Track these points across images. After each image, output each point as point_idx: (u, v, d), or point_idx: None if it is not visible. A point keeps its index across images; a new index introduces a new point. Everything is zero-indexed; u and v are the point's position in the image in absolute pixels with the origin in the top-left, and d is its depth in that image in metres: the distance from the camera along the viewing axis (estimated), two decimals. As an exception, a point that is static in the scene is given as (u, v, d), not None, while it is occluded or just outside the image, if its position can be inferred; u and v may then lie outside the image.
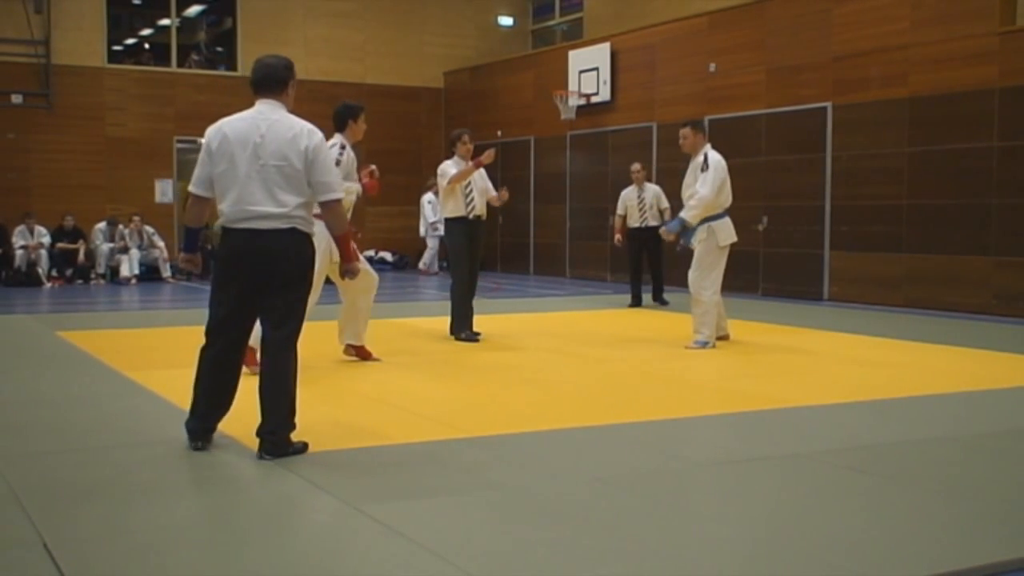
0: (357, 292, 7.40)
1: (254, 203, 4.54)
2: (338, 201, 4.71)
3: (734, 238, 8.40)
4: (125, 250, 16.36)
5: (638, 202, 12.12)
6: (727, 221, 8.34)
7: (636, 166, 12.25)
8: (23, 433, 5.20)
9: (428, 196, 18.26)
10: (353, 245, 7.11)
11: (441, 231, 12.06)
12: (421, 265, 18.64)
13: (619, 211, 12.29)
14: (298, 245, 4.62)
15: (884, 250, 12.31)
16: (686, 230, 8.27)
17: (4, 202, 16.69)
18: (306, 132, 4.61)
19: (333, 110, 7.33)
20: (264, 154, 4.55)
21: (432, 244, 18.41)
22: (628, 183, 12.32)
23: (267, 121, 4.61)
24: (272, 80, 4.72)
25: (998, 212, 11.21)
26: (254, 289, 4.60)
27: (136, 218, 16.67)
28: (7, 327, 9.94)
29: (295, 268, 4.61)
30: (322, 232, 5.27)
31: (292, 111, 4.76)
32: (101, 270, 16.35)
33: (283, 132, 4.58)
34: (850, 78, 12.64)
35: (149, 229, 16.73)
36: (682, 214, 8.27)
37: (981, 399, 6.36)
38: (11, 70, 17.25)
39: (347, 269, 5.00)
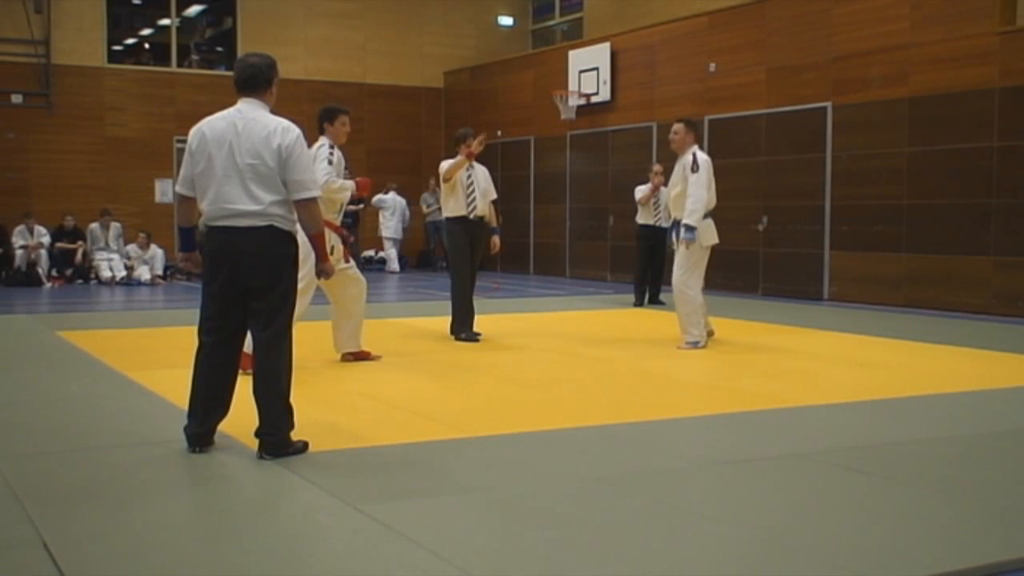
0: (348, 300, 7.32)
1: (231, 201, 4.55)
2: (313, 200, 4.65)
3: (715, 239, 8.37)
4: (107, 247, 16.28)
5: (653, 201, 12.14)
6: (709, 223, 8.32)
7: (657, 167, 12.25)
8: (23, 433, 5.19)
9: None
10: (337, 246, 7.15)
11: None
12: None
13: (637, 197, 12.27)
14: (277, 243, 4.60)
15: (884, 250, 12.31)
16: (691, 231, 8.22)
17: (4, 202, 16.70)
18: (280, 130, 4.58)
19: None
20: (239, 152, 4.56)
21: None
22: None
23: (244, 120, 4.62)
24: (257, 80, 4.73)
25: (998, 212, 11.21)
26: (237, 288, 4.60)
27: (142, 235, 16.34)
28: (7, 327, 9.93)
29: (275, 267, 4.59)
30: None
31: (274, 110, 4.74)
32: (107, 272, 16.13)
33: (258, 131, 4.58)
34: (850, 78, 12.64)
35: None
36: (686, 221, 8.18)
37: (981, 399, 6.36)
38: (11, 70, 17.26)
39: (320, 269, 4.98)
